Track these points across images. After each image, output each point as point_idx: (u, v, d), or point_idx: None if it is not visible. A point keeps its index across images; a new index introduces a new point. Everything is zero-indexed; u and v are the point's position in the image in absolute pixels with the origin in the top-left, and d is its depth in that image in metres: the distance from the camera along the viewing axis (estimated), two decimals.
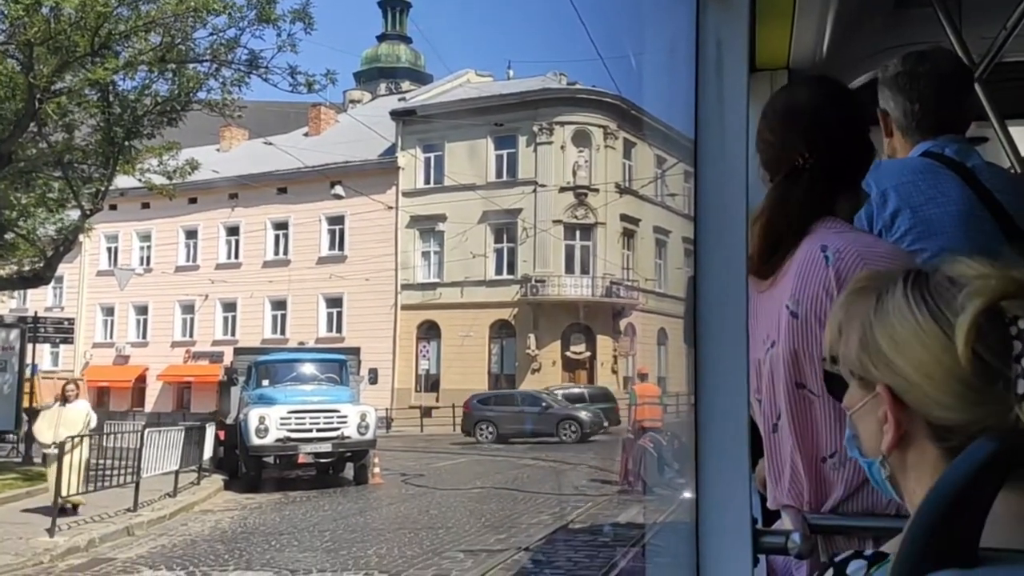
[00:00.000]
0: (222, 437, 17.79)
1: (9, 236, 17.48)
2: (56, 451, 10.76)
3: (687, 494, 1.31)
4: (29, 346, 19.33)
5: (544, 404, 27.39)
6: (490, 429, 26.69)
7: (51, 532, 9.98)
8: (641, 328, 34.85)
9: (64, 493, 10.80)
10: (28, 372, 19.25)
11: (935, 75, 1.82)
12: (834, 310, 0.94)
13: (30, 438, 19.30)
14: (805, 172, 1.48)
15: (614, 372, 34.91)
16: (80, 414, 11.51)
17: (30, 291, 31.13)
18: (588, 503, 12.39)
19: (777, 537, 1.26)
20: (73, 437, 10.99)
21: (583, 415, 26.61)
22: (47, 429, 11.26)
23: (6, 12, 13.03)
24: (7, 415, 16.58)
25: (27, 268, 18.80)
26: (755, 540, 1.21)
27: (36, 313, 24.16)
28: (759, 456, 1.58)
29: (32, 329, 20.17)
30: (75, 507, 11.34)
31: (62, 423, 11.13)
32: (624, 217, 35.92)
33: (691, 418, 1.28)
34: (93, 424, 11.97)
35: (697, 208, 1.27)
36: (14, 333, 18.27)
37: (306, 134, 43.80)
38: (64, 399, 11.53)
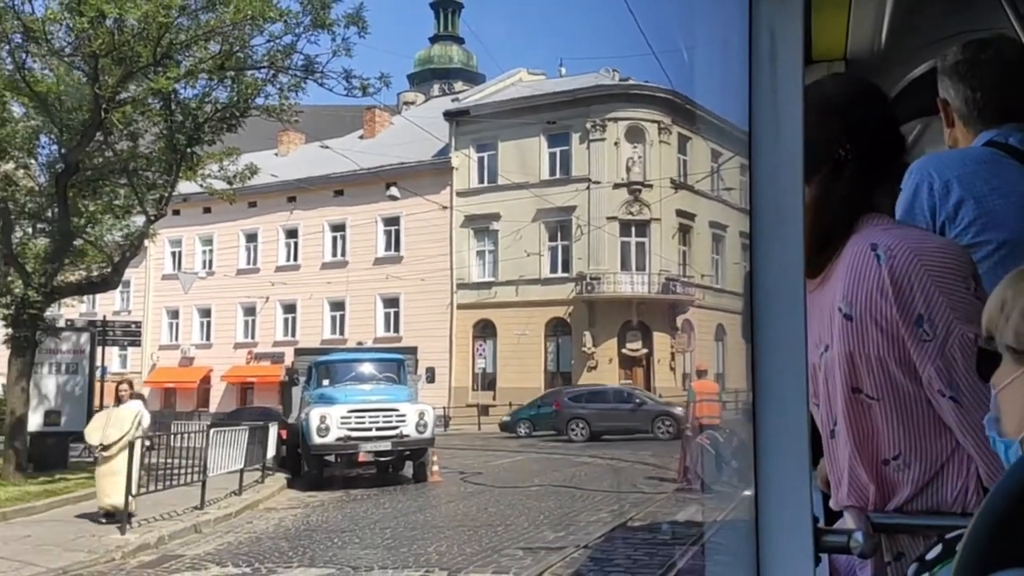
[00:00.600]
0: (284, 436, 18.12)
1: (78, 242, 18.01)
2: (102, 453, 10.63)
3: (746, 492, 1.29)
4: (99, 349, 19.93)
5: (638, 400, 27.21)
6: (582, 426, 26.51)
7: (122, 530, 10.26)
8: (698, 324, 34.48)
9: (110, 498, 10.49)
10: (98, 375, 19.86)
11: (997, 62, 1.77)
12: (999, 288, 0.93)
13: None
14: (847, 167, 1.44)
15: (672, 369, 34.62)
16: (130, 414, 11.09)
17: (99, 296, 32.05)
18: (647, 501, 12.32)
19: (839, 536, 1.24)
20: (120, 439, 10.63)
21: (678, 411, 26.34)
22: (95, 430, 10.95)
23: (72, 25, 13.43)
24: (79, 416, 17.08)
25: (96, 273, 19.37)
26: (816, 539, 1.19)
27: (105, 317, 24.96)
28: (821, 454, 1.56)
29: (101, 333, 20.82)
30: (122, 514, 10.42)
31: (111, 424, 10.84)
32: (680, 212, 35.59)
33: (749, 415, 1.27)
34: (145, 424, 11.38)
35: (752, 202, 1.26)
36: (84, 337, 18.84)
37: (361, 137, 44.32)
38: (118, 400, 11.33)
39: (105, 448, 10.42)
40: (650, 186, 35.05)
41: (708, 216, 35.30)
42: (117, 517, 10.45)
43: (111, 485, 10.45)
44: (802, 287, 1.23)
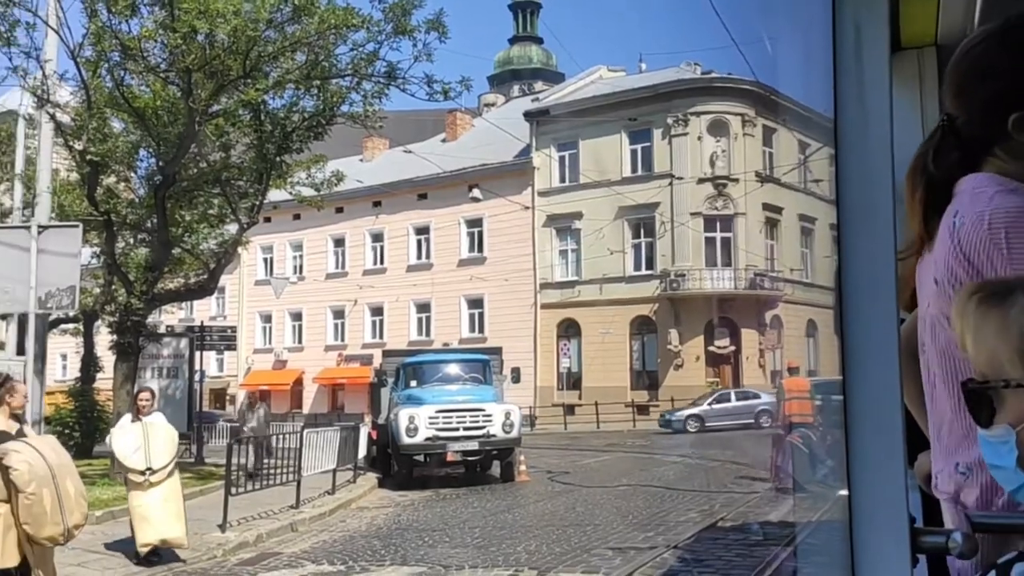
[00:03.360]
0: (374, 436, 18.46)
1: (176, 251, 18.74)
2: (149, 479, 8.52)
3: (840, 491, 1.27)
4: (197, 354, 20.71)
5: None
6: None
7: (223, 528, 10.62)
8: (788, 320, 33.70)
9: (158, 533, 8.57)
10: (197, 378, 20.64)
11: None
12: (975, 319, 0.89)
13: (201, 439, 20.74)
14: (945, 132, 1.41)
15: (760, 366, 33.92)
16: (168, 431, 9.08)
17: (196, 302, 33.27)
18: (737, 501, 12.10)
19: (937, 536, 1.20)
20: (169, 464, 8.77)
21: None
22: (135, 451, 8.67)
23: (166, 42, 13.98)
24: (180, 418, 17.79)
25: (193, 280, 20.14)
26: (913, 539, 1.16)
27: (202, 323, 25.87)
28: (918, 450, 1.51)
29: (199, 338, 21.61)
30: (167, 550, 8.81)
31: (152, 442, 8.73)
32: (766, 206, 34.85)
33: (841, 412, 1.24)
34: (176, 443, 9.33)
35: (839, 193, 1.23)
36: (184, 342, 19.61)
37: (443, 140, 44.83)
38: (137, 411, 9.09)
39: (153, 472, 8.56)
40: (735, 180, 34.43)
41: (796, 209, 34.47)
42: (164, 555, 8.79)
43: (160, 516, 8.59)
44: (893, 280, 1.20)
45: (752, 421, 27.91)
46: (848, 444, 1.20)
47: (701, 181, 34.87)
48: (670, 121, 35.49)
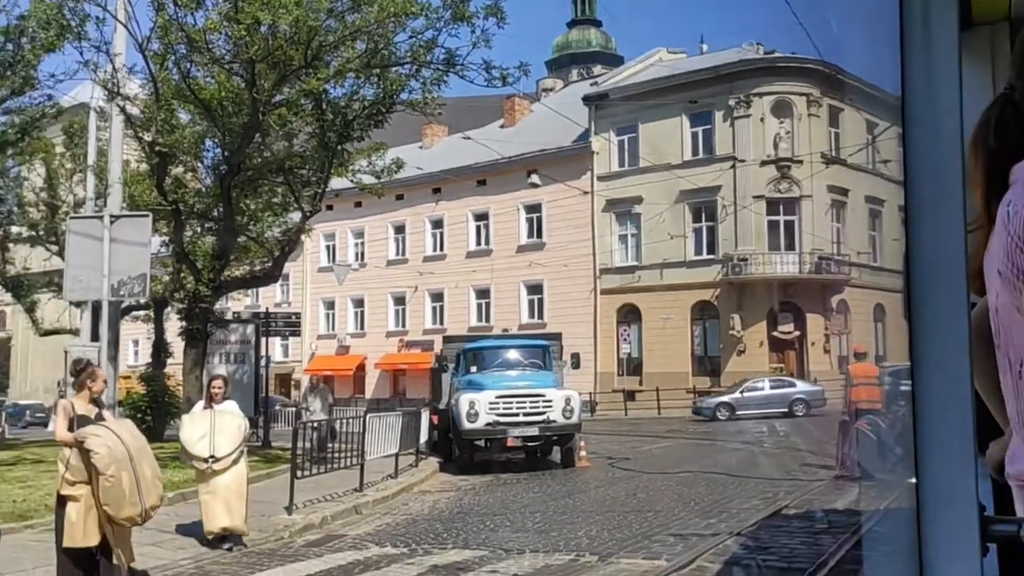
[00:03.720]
0: (435, 422, 18.66)
1: (242, 239, 19.14)
2: (212, 467, 8.58)
3: (908, 479, 1.24)
4: (263, 340, 21.17)
5: None
6: None
7: (289, 510, 10.86)
8: (855, 305, 32.96)
9: (220, 521, 8.69)
10: (263, 363, 21.10)
11: None
12: None
13: (268, 423, 21.22)
14: (1004, 103, 1.35)
15: (826, 352, 33.29)
16: (235, 421, 8.97)
17: (261, 289, 33.96)
18: (801, 488, 11.92)
19: (1009, 525, 1.17)
20: (232, 452, 8.70)
21: None
22: (199, 439, 8.67)
23: (230, 34, 14.25)
24: (247, 403, 18.22)
25: (258, 268, 20.57)
26: (983, 528, 1.13)
27: (267, 309, 26.43)
28: (990, 438, 1.47)
29: (265, 324, 22.07)
30: (236, 538, 8.94)
31: (217, 431, 8.69)
32: (832, 188, 34.08)
33: (910, 399, 1.22)
34: (247, 431, 9.37)
35: (907, 174, 1.20)
36: (250, 328, 20.06)
37: (502, 126, 44.83)
38: (210, 399, 9.02)
39: (217, 460, 8.56)
40: (799, 162, 33.74)
41: (863, 191, 33.61)
42: (231, 540, 8.88)
43: (223, 505, 8.65)
44: (964, 264, 1.17)
45: (786, 410, 27.45)
46: (917, 431, 1.18)
47: (764, 163, 34.25)
48: (732, 103, 34.90)
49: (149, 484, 6.40)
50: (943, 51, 1.17)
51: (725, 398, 29.10)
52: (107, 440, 6.23)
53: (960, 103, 1.16)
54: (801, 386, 28.88)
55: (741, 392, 28.94)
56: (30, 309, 26.57)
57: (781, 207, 34.27)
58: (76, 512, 6.31)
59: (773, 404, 27.88)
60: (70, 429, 6.42)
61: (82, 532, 6.29)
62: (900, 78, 1.19)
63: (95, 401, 6.76)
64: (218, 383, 9.17)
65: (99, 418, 6.60)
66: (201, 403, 9.35)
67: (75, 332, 22.08)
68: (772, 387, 28.95)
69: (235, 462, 8.77)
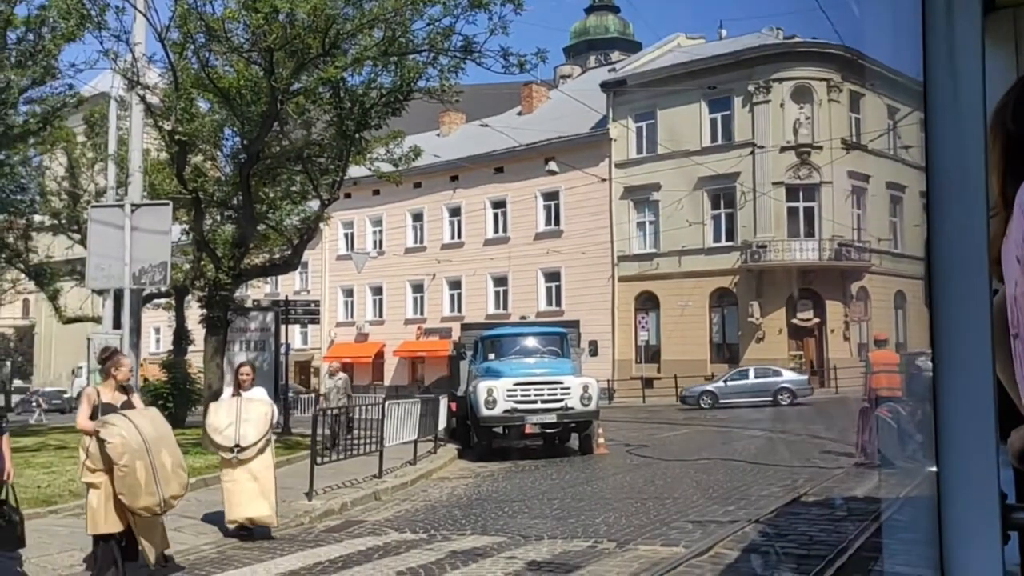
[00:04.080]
0: (454, 409, 18.71)
1: (261, 228, 19.22)
2: (237, 456, 8.32)
3: (929, 467, 1.24)
4: (283, 327, 21.28)
5: None
6: None
7: (309, 496, 10.95)
8: (875, 292, 32.73)
9: (244, 510, 8.45)
10: (283, 351, 21.22)
11: None
12: None
13: (288, 410, 21.37)
14: None
15: (846, 339, 33.10)
16: (263, 408, 8.63)
17: (280, 277, 34.16)
18: (821, 476, 11.88)
19: None
20: (258, 441, 8.40)
21: None
22: (225, 427, 8.37)
23: (249, 22, 14.26)
24: (267, 390, 18.33)
25: (277, 256, 20.67)
26: (1005, 516, 1.12)
27: (287, 297, 26.57)
28: (1012, 426, 1.46)
29: (284, 312, 22.19)
30: (263, 528, 8.71)
31: (244, 419, 8.37)
32: (852, 174, 33.79)
33: (931, 386, 1.21)
34: (275, 419, 9.09)
35: (929, 160, 1.19)
36: (270, 316, 20.14)
37: (519, 113, 44.74)
38: (238, 386, 8.77)
39: (242, 450, 8.27)
40: (819, 148, 33.47)
41: (884, 177, 33.31)
42: (258, 532, 8.70)
43: (247, 494, 8.38)
44: (985, 250, 1.16)
45: (770, 399, 27.29)
46: (938, 419, 1.17)
47: (784, 150, 34.01)
48: (751, 88, 34.64)
49: (169, 474, 6.38)
50: (966, 35, 1.15)
51: (709, 386, 29.03)
52: (122, 430, 6.23)
53: (983, 88, 1.15)
54: (787, 375, 28.69)
55: (725, 381, 28.86)
56: (53, 297, 26.86)
57: (801, 193, 34.04)
58: (97, 499, 6.37)
59: (757, 393, 27.77)
60: (93, 417, 6.48)
61: (103, 519, 6.35)
62: (922, 62, 1.18)
63: (123, 389, 6.80)
64: (246, 370, 8.85)
65: (127, 406, 6.65)
66: (229, 390, 9.12)
67: (97, 320, 22.30)
68: (757, 376, 28.78)
69: (261, 451, 8.42)
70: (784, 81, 34.27)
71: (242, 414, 8.39)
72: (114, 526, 6.39)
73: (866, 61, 29.95)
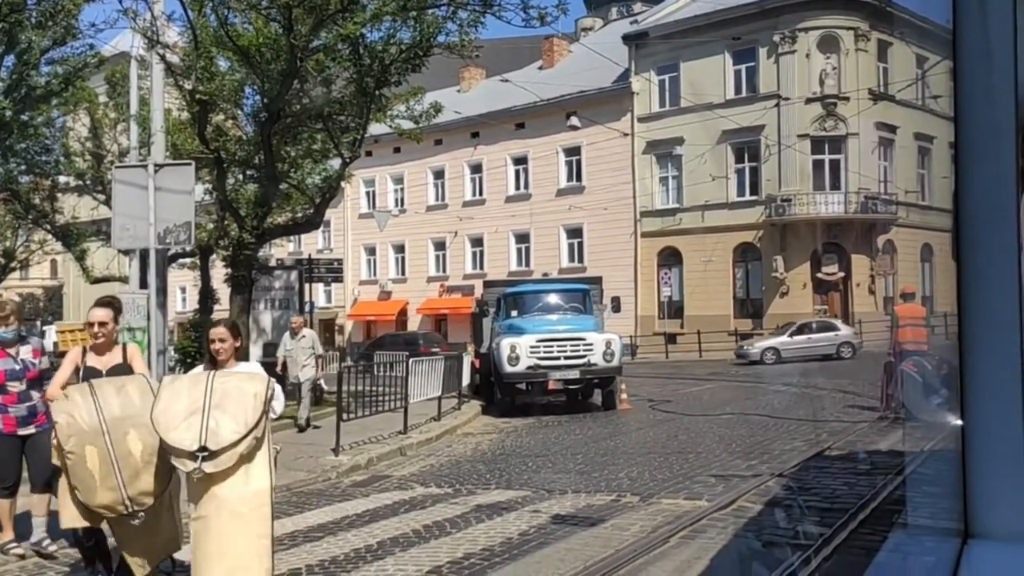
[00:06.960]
0: (477, 365, 18.83)
1: (283, 187, 19.23)
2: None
3: (954, 421, 1.23)
4: (306, 286, 21.42)
5: None
6: None
7: (336, 452, 11.12)
8: (902, 245, 32.35)
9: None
10: (307, 309, 21.39)
11: None
12: None
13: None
14: None
15: (871, 293, 32.84)
16: (251, 384, 8.67)
17: (303, 236, 34.27)
18: (845, 430, 11.88)
19: None
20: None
21: None
22: (182, 418, 8.41)
23: None
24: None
25: (300, 215, 20.72)
26: None
27: (310, 256, 26.68)
28: None
29: (308, 270, 22.31)
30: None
31: (215, 403, 7.89)
32: (880, 125, 33.19)
33: (956, 340, 1.20)
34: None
35: (958, 110, 1.17)
36: (294, 275, 20.30)
37: (540, 67, 44.25)
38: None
39: (211, 455, 7.34)
40: (846, 99, 32.90)
41: (912, 128, 32.69)
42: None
43: (225, 551, 5.52)
44: (1014, 203, 1.14)
45: (833, 353, 27.21)
46: (963, 373, 1.17)
47: (809, 101, 33.46)
48: (776, 39, 34.00)
49: (138, 463, 4.73)
50: None
51: (772, 342, 28.86)
52: (73, 407, 4.75)
53: (1014, 35, 1.12)
54: (845, 330, 28.61)
55: (789, 335, 28.69)
56: (80, 257, 27.10)
57: (827, 146, 33.54)
58: (61, 487, 4.97)
59: (820, 347, 27.68)
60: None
61: (67, 510, 4.91)
62: (951, 10, 1.15)
63: (123, 350, 5.62)
64: (220, 332, 5.26)
65: (119, 371, 5.38)
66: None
67: (124, 280, 22.54)
68: (819, 330, 28.69)
69: (247, 461, 4.69)
70: (810, 31, 33.59)
71: (213, 397, 4.74)
72: (77, 521, 4.90)
73: (894, 9, 29.22)
